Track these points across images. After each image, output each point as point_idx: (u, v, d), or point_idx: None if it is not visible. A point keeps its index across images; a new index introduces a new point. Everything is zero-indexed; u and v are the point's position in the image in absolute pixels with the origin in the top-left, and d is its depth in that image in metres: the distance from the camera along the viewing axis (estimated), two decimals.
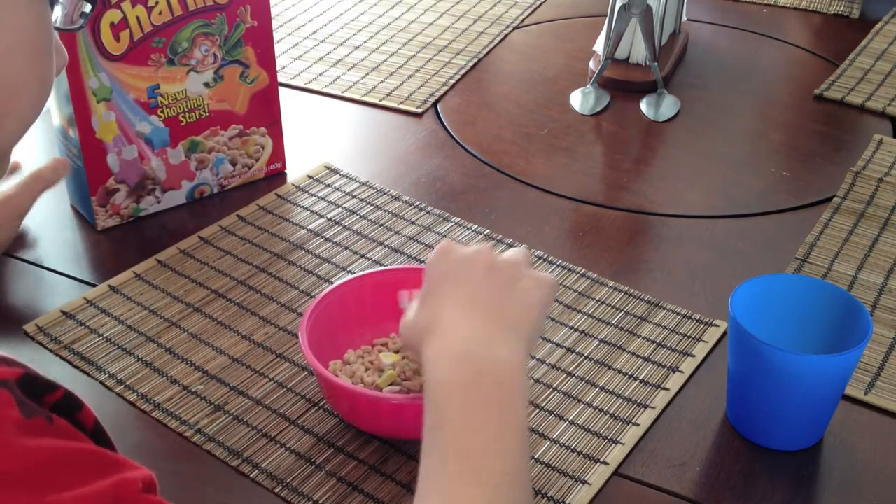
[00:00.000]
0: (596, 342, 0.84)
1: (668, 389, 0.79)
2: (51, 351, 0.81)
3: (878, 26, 1.38)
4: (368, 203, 1.01)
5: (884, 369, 0.81)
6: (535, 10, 1.43)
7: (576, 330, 0.85)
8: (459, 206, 1.01)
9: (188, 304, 0.87)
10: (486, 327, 0.62)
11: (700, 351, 0.83)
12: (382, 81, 1.23)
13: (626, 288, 0.90)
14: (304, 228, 0.97)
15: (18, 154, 0.77)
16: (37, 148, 1.08)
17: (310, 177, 1.04)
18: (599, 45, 1.24)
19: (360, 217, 0.99)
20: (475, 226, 0.97)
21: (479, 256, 0.66)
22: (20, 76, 0.51)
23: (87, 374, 0.80)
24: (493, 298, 0.63)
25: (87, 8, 0.55)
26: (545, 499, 0.70)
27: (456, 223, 0.98)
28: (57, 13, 0.55)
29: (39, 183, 0.86)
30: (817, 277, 0.85)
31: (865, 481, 0.72)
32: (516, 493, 0.56)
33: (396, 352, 0.79)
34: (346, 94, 1.21)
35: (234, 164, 1.00)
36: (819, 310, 0.74)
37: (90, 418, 0.46)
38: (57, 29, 0.55)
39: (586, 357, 0.82)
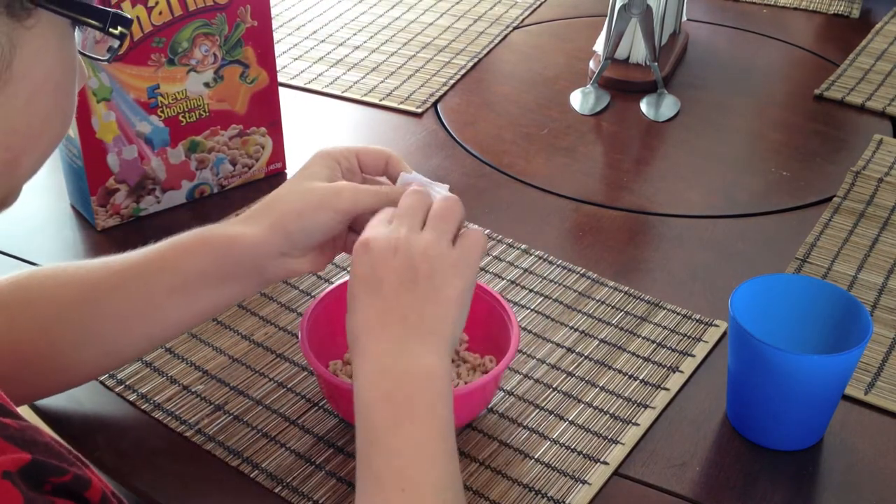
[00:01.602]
0: (596, 342, 0.84)
1: (668, 389, 0.79)
2: None
3: (878, 26, 1.38)
4: None
5: (884, 369, 0.81)
6: (535, 10, 1.43)
7: (576, 330, 0.85)
8: None
9: None
10: (404, 338, 0.61)
11: (700, 351, 0.83)
12: (382, 81, 1.23)
13: (626, 288, 0.90)
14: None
15: None
16: None
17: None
18: (599, 45, 1.24)
19: None
20: (475, 226, 0.97)
21: (390, 255, 0.62)
22: (44, 116, 0.51)
23: None
24: (409, 305, 0.61)
25: (116, 43, 0.55)
26: (545, 499, 0.70)
27: None
28: (78, 37, 0.54)
29: (384, 200, 0.70)
30: (817, 277, 0.85)
31: (865, 481, 0.72)
32: (448, 495, 0.58)
33: None
34: (346, 94, 1.21)
35: (234, 164, 1.00)
36: (819, 310, 0.74)
37: (97, 494, 0.45)
38: (81, 54, 0.55)
39: (586, 357, 0.82)
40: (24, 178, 0.53)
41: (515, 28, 1.38)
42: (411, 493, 0.57)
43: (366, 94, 1.21)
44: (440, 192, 0.71)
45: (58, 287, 0.71)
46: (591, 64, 1.25)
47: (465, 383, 0.76)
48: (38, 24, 0.48)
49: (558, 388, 0.79)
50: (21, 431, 0.44)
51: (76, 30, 0.53)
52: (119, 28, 0.52)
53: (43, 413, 0.76)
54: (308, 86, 1.23)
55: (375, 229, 0.64)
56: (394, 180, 0.74)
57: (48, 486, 0.43)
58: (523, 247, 0.95)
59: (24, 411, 0.72)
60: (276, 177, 1.04)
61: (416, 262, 0.62)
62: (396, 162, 0.74)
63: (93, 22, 0.51)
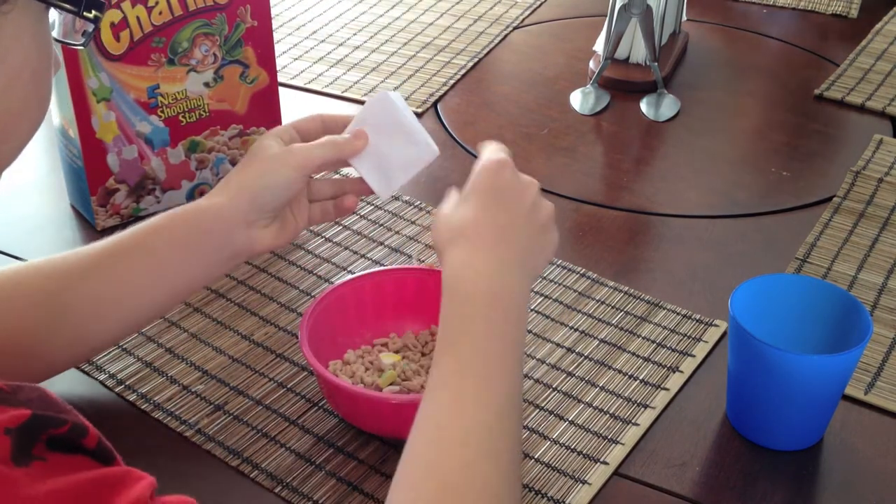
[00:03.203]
0: (596, 342, 0.84)
1: (668, 389, 0.79)
2: None
3: (878, 26, 1.38)
4: (368, 203, 1.01)
5: (884, 369, 0.81)
6: (535, 10, 1.43)
7: (576, 330, 0.85)
8: None
9: (188, 303, 0.87)
10: (511, 260, 0.65)
11: (700, 351, 0.83)
12: (382, 81, 1.23)
13: (626, 288, 0.90)
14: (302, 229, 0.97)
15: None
16: (37, 147, 1.08)
17: (310, 176, 1.04)
18: (599, 45, 1.24)
19: (360, 217, 0.99)
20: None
21: (529, 190, 0.68)
22: (22, 101, 0.51)
23: (87, 374, 0.80)
24: (525, 238, 0.66)
25: (90, 27, 0.55)
26: (545, 499, 0.70)
27: None
28: (55, 24, 0.55)
29: (331, 148, 0.76)
30: (817, 277, 0.85)
31: (865, 481, 0.72)
32: (517, 407, 0.61)
33: (396, 352, 0.79)
34: (346, 94, 1.21)
35: (234, 164, 1.00)
36: (819, 310, 0.74)
37: (93, 439, 0.46)
38: (57, 41, 0.55)
39: (586, 357, 0.82)
40: (3, 165, 0.53)
41: (515, 28, 1.38)
42: (488, 382, 0.59)
43: (366, 94, 1.21)
44: (390, 98, 0.76)
45: (30, 277, 0.72)
46: (591, 64, 1.25)
47: None
48: (13, 10, 0.48)
49: (558, 388, 0.79)
50: (13, 393, 0.45)
51: (53, 15, 0.53)
52: (93, 12, 0.53)
53: None
54: (308, 86, 1.23)
55: (504, 155, 0.70)
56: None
57: (45, 436, 0.44)
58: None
59: None
60: None
61: (540, 210, 0.69)
62: (331, 119, 0.79)
63: (67, 6, 0.51)
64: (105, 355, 0.81)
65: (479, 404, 0.58)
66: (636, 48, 1.23)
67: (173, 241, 0.73)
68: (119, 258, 0.72)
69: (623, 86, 1.22)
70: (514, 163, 0.71)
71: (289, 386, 0.79)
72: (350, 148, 0.77)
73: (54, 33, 0.55)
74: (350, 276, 0.81)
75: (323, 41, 1.33)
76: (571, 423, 0.76)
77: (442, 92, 1.22)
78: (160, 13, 0.89)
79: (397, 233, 0.96)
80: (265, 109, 1.00)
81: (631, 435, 0.75)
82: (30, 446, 0.43)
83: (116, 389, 0.78)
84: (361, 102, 1.19)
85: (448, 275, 0.64)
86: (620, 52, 1.23)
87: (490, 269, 0.64)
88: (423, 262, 0.92)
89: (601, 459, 0.73)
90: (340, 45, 1.32)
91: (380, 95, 0.76)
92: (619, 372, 0.81)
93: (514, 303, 0.64)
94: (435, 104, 1.19)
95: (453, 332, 0.62)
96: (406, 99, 1.19)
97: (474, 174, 0.68)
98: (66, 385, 0.78)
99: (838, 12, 1.43)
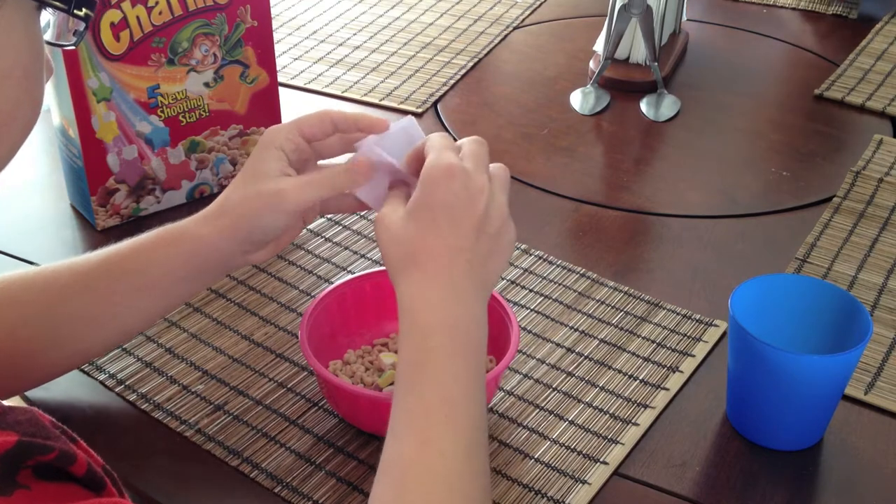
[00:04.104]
0: (596, 342, 0.84)
1: (668, 389, 0.79)
2: None
3: (877, 26, 1.38)
4: None
5: (884, 369, 0.81)
6: (535, 10, 1.43)
7: (576, 330, 0.85)
8: None
9: (188, 303, 0.87)
10: (466, 280, 0.62)
11: (700, 351, 0.83)
12: (382, 81, 1.23)
13: (626, 288, 0.90)
14: (303, 228, 0.97)
15: (17, 154, 0.76)
16: (37, 147, 1.08)
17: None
18: (599, 45, 1.24)
19: (361, 217, 0.99)
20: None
21: (480, 198, 0.63)
22: (14, 101, 0.51)
23: (88, 374, 0.80)
24: (478, 253, 0.63)
25: (81, 27, 0.55)
26: (545, 499, 0.70)
27: None
28: (48, 27, 0.54)
29: (329, 188, 0.71)
30: (817, 277, 0.85)
31: (865, 481, 0.72)
32: (483, 439, 0.60)
33: (396, 352, 0.79)
34: (346, 94, 1.21)
35: (234, 164, 1.00)
36: (819, 310, 0.74)
37: (82, 466, 0.45)
38: (49, 43, 0.55)
39: (586, 357, 0.82)
40: None
41: (515, 28, 1.38)
42: (454, 423, 0.58)
43: (366, 94, 1.21)
44: (405, 127, 0.71)
45: (23, 292, 0.71)
46: (591, 64, 1.25)
47: None
48: (2, 8, 0.48)
49: (558, 388, 0.79)
50: (3, 414, 0.44)
51: (44, 16, 0.53)
52: (84, 10, 0.52)
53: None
54: (308, 86, 1.23)
55: (451, 157, 0.63)
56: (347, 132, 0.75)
57: (31, 462, 0.43)
58: (523, 247, 0.95)
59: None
60: None
61: (492, 216, 0.64)
62: (341, 118, 0.74)
63: (57, 3, 0.51)
64: (105, 355, 0.81)
65: (444, 445, 0.58)
66: (636, 48, 1.23)
67: (170, 266, 0.72)
68: (114, 279, 0.72)
69: (623, 86, 1.22)
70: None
71: (289, 386, 0.79)
72: (351, 185, 0.72)
73: (47, 36, 0.54)
74: (350, 276, 0.81)
75: (323, 41, 1.33)
76: (571, 423, 0.76)
77: (442, 92, 1.22)
78: (160, 13, 0.89)
79: None
80: (265, 109, 1.00)
81: (631, 435, 0.75)
82: (14, 474, 0.43)
83: (116, 389, 0.78)
84: (361, 102, 1.19)
85: (403, 306, 0.62)
86: (620, 52, 1.23)
87: (444, 296, 0.61)
88: None
89: (601, 459, 0.73)
90: (340, 45, 1.32)
91: (369, 139, 0.71)
92: (619, 372, 0.81)
93: (473, 326, 0.62)
94: (435, 104, 1.19)
95: (414, 366, 0.60)
96: (406, 99, 1.19)
97: (421, 184, 0.63)
98: (66, 385, 0.78)
99: (838, 13, 1.43)
